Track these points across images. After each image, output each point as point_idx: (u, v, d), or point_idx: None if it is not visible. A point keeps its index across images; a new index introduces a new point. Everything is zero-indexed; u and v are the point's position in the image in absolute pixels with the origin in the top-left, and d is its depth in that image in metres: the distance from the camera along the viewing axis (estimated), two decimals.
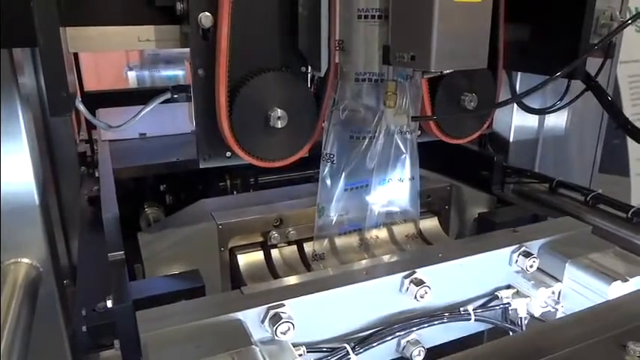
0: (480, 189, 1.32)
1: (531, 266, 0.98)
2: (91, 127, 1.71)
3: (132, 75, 2.94)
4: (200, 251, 1.04)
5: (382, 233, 1.11)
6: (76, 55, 1.56)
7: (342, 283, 0.84)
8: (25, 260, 0.97)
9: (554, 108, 1.24)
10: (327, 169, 0.97)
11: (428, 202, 1.23)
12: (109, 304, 0.89)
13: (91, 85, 2.31)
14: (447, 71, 0.75)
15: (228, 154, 0.88)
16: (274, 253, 1.08)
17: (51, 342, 1.03)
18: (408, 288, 0.87)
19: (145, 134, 1.52)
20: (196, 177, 1.33)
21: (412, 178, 1.00)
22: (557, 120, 1.53)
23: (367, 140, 0.93)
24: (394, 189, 1.00)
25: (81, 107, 1.03)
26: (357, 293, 0.86)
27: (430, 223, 1.23)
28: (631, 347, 0.65)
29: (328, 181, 0.98)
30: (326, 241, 1.05)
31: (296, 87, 0.86)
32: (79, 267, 1.21)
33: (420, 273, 0.89)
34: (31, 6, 0.70)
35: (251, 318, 0.77)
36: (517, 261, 0.99)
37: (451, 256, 0.93)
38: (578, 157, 1.66)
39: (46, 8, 0.70)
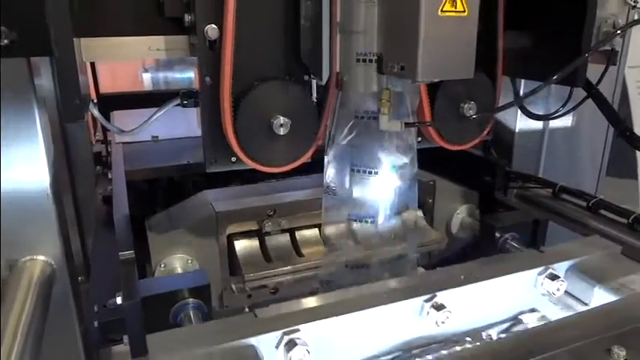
0: (481, 193, 1.35)
1: (558, 290, 0.94)
2: (106, 128, 1.76)
3: (147, 77, 3.00)
4: (200, 237, 1.10)
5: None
6: None
7: (360, 307, 0.83)
8: (41, 257, 1.01)
9: (556, 115, 1.25)
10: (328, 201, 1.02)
11: None
12: (119, 300, 0.93)
13: (107, 86, 2.37)
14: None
15: (234, 159, 0.91)
16: (268, 240, 1.15)
17: (64, 336, 1.07)
18: (428, 312, 0.85)
19: (157, 137, 1.57)
20: (206, 179, 1.38)
21: (412, 178, 1.03)
22: (563, 123, 1.53)
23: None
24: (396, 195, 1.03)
25: (95, 112, 1.07)
26: (375, 317, 0.84)
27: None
28: (615, 351, 0.67)
29: (331, 212, 1.02)
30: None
31: (298, 95, 0.89)
32: (92, 264, 1.26)
33: (441, 296, 0.86)
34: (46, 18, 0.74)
35: (265, 343, 0.76)
36: (543, 284, 0.95)
37: (474, 278, 0.91)
38: (585, 160, 1.66)
39: (61, 21, 0.74)
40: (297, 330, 0.76)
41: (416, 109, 0.96)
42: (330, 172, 0.97)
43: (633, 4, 0.90)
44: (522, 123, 1.45)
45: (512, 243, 1.19)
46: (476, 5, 0.76)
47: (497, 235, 1.19)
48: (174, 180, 1.38)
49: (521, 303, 0.97)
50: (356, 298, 0.86)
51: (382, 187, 0.96)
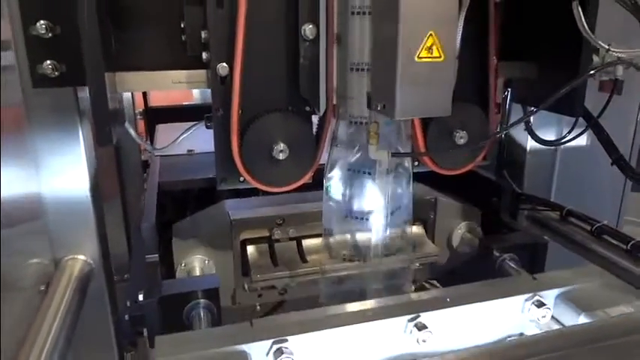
0: (490, 214, 1.41)
1: (544, 317, 0.99)
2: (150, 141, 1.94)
3: (196, 90, 3.19)
4: (217, 240, 1.26)
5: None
6: None
7: (346, 322, 0.91)
8: (81, 257, 1.17)
9: (561, 141, 1.30)
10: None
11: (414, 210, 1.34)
12: (141, 297, 1.08)
13: (161, 98, 2.56)
14: None
15: (242, 178, 1.03)
16: (277, 246, 1.28)
17: (99, 327, 1.22)
18: (411, 331, 0.91)
19: (192, 150, 1.72)
20: (232, 191, 1.51)
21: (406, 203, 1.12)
22: (578, 143, 1.52)
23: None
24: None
25: (131, 131, 1.23)
26: (360, 333, 0.91)
27: (416, 230, 1.39)
28: None
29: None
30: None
31: (296, 125, 1.00)
32: (131, 264, 1.41)
33: (425, 317, 0.92)
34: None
35: (256, 351, 0.86)
36: (530, 310, 1.00)
37: (460, 301, 0.97)
38: (605, 178, 1.63)
39: (94, 60, 0.88)
40: (286, 340, 0.86)
41: (409, 136, 1.05)
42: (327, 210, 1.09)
43: (607, 47, 0.95)
44: (533, 145, 1.49)
45: (510, 264, 1.24)
46: (453, 51, 0.84)
47: (497, 254, 1.25)
48: (202, 190, 1.52)
49: (509, 327, 1.01)
50: (343, 314, 0.95)
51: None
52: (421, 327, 0.91)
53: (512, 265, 1.24)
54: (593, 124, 1.17)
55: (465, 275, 1.24)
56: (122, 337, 1.23)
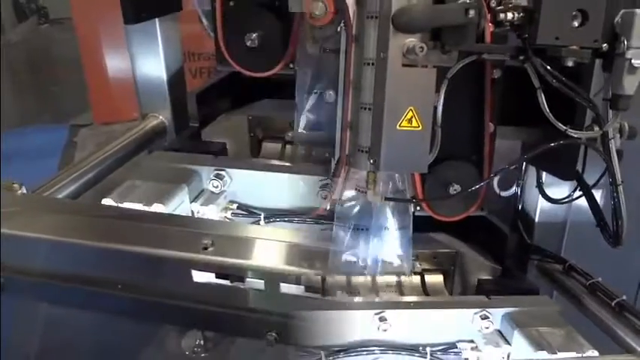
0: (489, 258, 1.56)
1: (487, 328, 1.18)
2: None
3: None
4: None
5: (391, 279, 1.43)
6: None
7: (325, 308, 1.15)
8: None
9: (563, 201, 1.43)
10: None
11: (436, 261, 1.51)
12: None
13: None
14: None
15: None
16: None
17: None
18: (375, 322, 1.14)
19: None
20: None
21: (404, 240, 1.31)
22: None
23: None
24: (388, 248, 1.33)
25: None
26: (335, 318, 1.15)
27: (435, 279, 1.50)
28: None
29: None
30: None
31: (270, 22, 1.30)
32: None
33: (388, 313, 1.14)
34: None
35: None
36: (477, 321, 1.19)
37: (421, 306, 1.20)
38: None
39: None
40: None
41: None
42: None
43: (565, 128, 1.09)
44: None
45: None
46: (429, 122, 1.05)
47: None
48: None
49: (461, 333, 1.21)
50: (325, 302, 1.17)
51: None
52: (382, 319, 1.13)
53: None
54: (587, 193, 1.30)
55: None
56: None
